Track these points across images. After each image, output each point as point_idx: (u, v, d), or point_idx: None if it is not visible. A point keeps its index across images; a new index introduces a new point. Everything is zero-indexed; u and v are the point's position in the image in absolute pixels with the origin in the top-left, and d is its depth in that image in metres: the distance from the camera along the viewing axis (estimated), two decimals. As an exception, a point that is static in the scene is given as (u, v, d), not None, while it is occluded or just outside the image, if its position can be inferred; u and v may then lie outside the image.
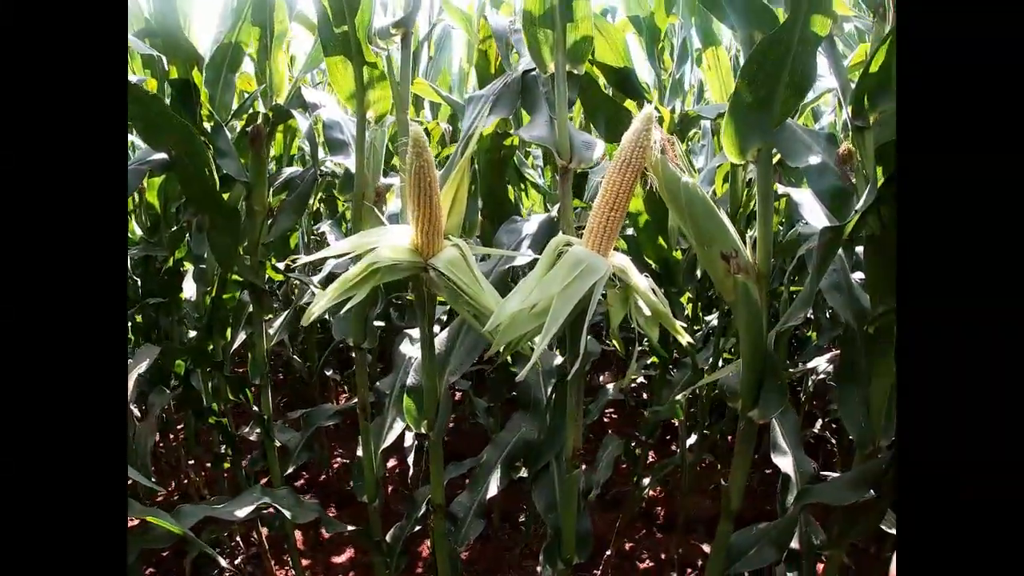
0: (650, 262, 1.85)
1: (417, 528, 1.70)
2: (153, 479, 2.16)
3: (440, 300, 1.21)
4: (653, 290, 1.03)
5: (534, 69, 1.27)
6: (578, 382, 1.20)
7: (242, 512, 1.36)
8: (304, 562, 2.38)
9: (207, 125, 1.72)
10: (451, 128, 2.43)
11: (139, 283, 2.50)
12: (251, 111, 1.85)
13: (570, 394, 1.21)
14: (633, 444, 2.33)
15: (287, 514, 1.44)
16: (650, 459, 2.80)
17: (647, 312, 1.01)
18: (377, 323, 2.45)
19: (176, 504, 1.35)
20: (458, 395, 3.32)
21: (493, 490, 1.50)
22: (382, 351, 2.91)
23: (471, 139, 1.15)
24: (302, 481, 2.97)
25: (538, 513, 1.40)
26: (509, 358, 1.22)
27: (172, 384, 2.22)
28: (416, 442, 2.08)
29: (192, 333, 2.38)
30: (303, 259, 1.16)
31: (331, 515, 1.82)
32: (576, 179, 1.78)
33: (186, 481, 2.59)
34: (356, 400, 1.56)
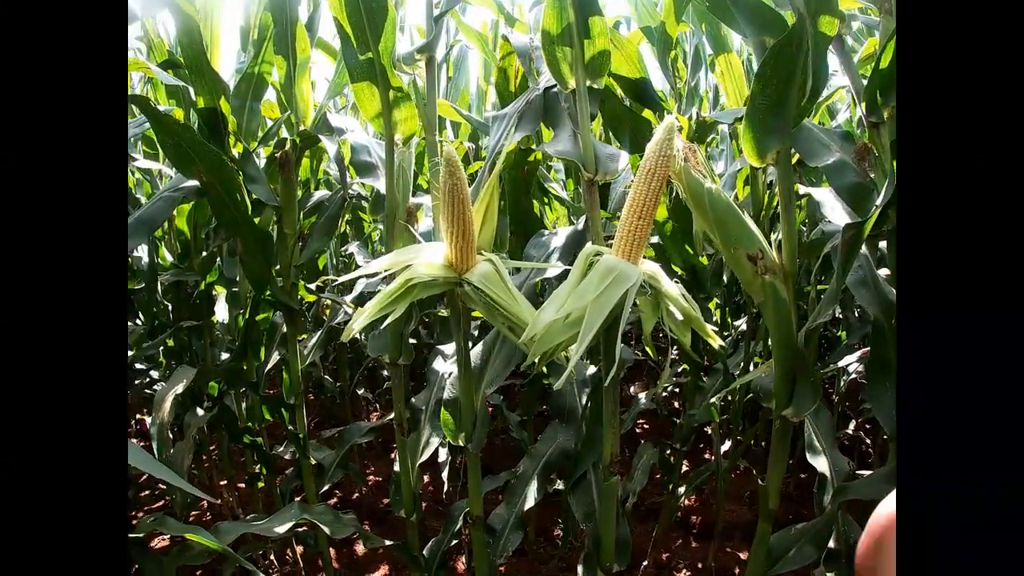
0: (677, 269, 1.86)
1: (453, 543, 1.71)
2: (188, 499, 2.21)
3: (474, 315, 1.24)
4: (684, 295, 1.04)
5: (555, 85, 1.30)
6: (613, 389, 1.22)
7: (281, 528, 1.39)
8: (340, 580, 2.40)
9: (235, 152, 1.77)
10: (473, 146, 2.48)
11: (170, 308, 2.56)
12: (277, 137, 1.91)
13: (606, 401, 1.22)
14: (667, 452, 2.33)
15: (326, 530, 1.46)
16: (684, 468, 2.78)
17: (679, 317, 1.03)
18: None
19: (210, 524, 1.37)
20: (490, 410, 3.34)
21: (531, 501, 1.51)
22: (412, 369, 2.93)
23: (499, 156, 1.18)
24: (335, 499, 3.00)
25: (574, 525, 1.41)
26: (544, 369, 1.24)
27: (206, 405, 2.27)
28: (449, 458, 2.09)
29: (224, 355, 2.44)
30: (341, 279, 1.19)
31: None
32: (599, 190, 1.81)
33: (219, 502, 2.63)
34: (389, 417, 1.59)
